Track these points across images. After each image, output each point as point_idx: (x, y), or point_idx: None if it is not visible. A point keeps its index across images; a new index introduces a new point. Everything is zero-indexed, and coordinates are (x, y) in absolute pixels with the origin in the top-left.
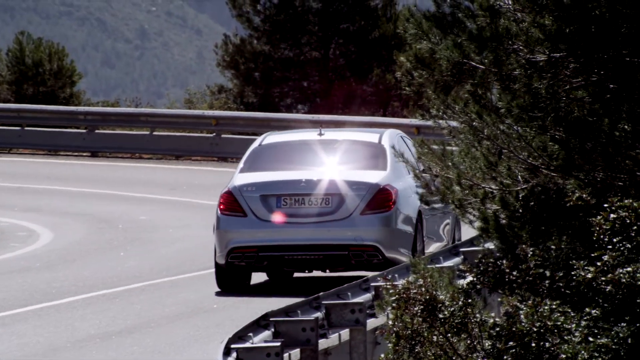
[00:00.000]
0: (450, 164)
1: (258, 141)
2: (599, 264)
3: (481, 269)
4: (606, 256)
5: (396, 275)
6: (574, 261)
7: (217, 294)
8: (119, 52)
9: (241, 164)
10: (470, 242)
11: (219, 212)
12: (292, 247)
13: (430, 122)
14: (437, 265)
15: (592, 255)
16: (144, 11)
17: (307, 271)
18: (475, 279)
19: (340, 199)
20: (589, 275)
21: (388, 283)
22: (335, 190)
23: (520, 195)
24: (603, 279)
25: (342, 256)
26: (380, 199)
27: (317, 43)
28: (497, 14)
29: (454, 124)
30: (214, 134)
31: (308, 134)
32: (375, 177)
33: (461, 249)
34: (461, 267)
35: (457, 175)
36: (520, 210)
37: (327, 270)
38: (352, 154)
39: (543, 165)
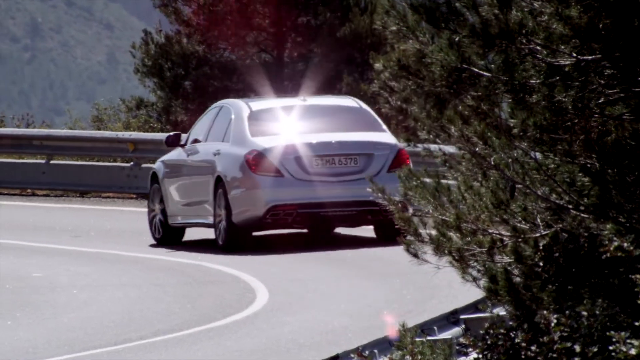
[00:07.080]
0: (446, 202)
1: (245, 107)
2: None
3: (489, 342)
4: None
5: (375, 350)
6: (612, 332)
7: None
8: (2, 55)
9: (245, 128)
10: (474, 306)
11: (250, 172)
12: (329, 204)
13: (419, 148)
14: (430, 338)
15: (637, 324)
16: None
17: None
18: (481, 355)
19: (367, 159)
20: (633, 351)
21: None
22: (361, 150)
23: (541, 245)
24: None
25: (375, 212)
26: (401, 159)
27: (268, 42)
28: (507, 3)
29: (450, 149)
30: (132, 162)
31: (290, 100)
32: (388, 138)
33: (462, 316)
34: (462, 340)
35: (456, 217)
36: (541, 264)
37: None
38: (346, 118)
39: (570, 205)
